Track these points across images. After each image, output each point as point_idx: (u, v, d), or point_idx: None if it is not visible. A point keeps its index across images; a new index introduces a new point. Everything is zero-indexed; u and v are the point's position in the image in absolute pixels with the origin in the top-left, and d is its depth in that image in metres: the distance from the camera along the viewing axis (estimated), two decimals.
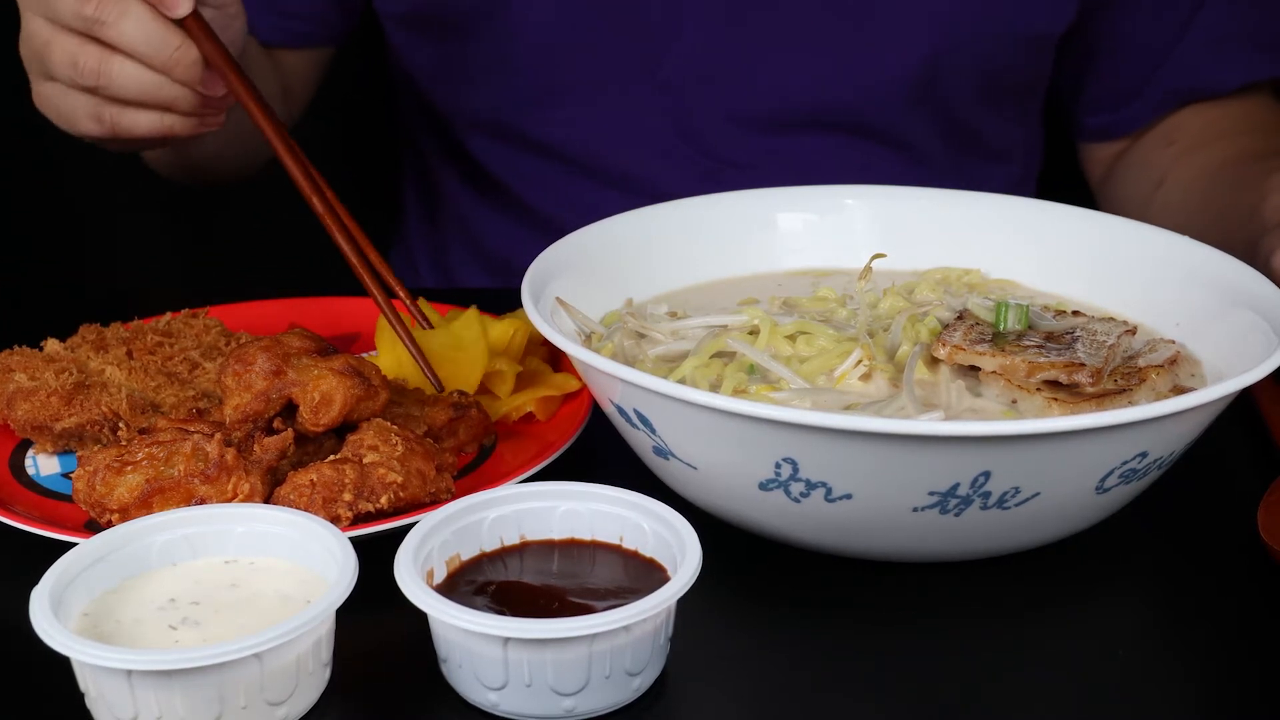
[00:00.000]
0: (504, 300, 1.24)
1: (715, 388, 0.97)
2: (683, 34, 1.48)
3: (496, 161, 1.60)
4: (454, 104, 1.59)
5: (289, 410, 1.00)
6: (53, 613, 0.79)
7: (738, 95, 1.51)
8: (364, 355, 1.12)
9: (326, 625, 0.83)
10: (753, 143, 1.52)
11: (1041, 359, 0.98)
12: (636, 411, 0.93)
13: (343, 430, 1.01)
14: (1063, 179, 1.71)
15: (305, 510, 0.92)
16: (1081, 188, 1.73)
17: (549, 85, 1.52)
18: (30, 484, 1.05)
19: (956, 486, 0.87)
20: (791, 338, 1.02)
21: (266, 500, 0.96)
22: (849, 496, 0.88)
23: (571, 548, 0.90)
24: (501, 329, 1.15)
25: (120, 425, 1.05)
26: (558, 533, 0.90)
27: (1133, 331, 1.04)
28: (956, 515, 0.88)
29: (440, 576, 0.87)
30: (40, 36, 1.17)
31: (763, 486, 0.90)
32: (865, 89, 1.50)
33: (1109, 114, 1.64)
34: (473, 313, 1.15)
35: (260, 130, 1.16)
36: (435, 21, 1.55)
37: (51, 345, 1.13)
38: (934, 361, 1.00)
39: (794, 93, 1.50)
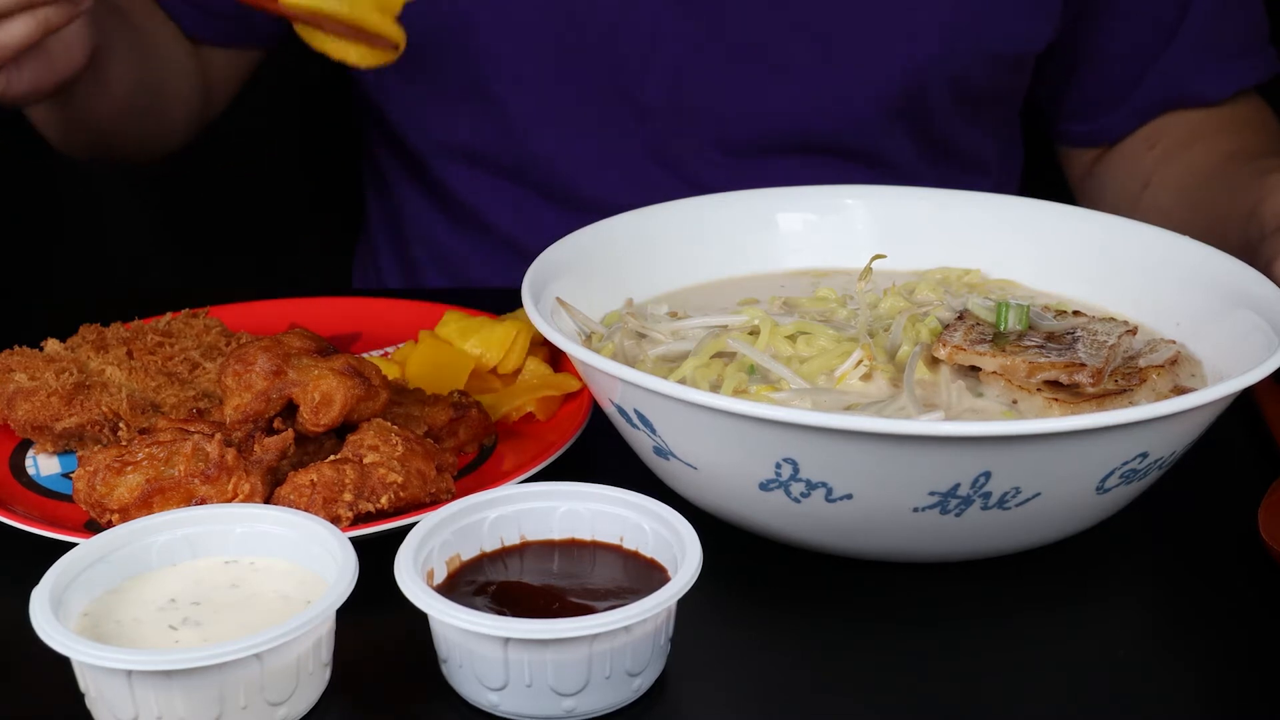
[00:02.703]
0: (478, 299, 1.26)
1: (715, 388, 0.97)
2: (659, 61, 1.46)
3: (466, 187, 1.57)
4: (420, 129, 1.56)
5: (289, 410, 1.00)
6: (53, 613, 0.79)
7: (716, 122, 1.49)
8: (364, 355, 1.13)
9: (327, 625, 0.83)
10: (731, 167, 1.50)
11: (1042, 359, 0.98)
12: (636, 411, 0.93)
13: (343, 430, 1.01)
14: (1047, 182, 1.71)
15: (305, 510, 0.92)
16: (1066, 192, 1.73)
17: (522, 112, 1.50)
18: (30, 484, 1.05)
19: (957, 487, 0.87)
20: (792, 338, 1.02)
21: (266, 500, 0.96)
22: (849, 497, 0.88)
23: (572, 548, 0.90)
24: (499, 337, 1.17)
25: (120, 425, 1.05)
26: (558, 533, 0.90)
27: (1133, 331, 1.04)
28: (957, 515, 0.88)
29: (440, 576, 0.87)
30: None
31: (763, 486, 0.90)
32: (845, 112, 1.49)
33: (1092, 122, 1.63)
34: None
35: None
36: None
37: (51, 345, 1.13)
38: (934, 361, 1.00)
39: (774, 118, 1.49)
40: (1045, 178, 1.72)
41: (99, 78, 1.41)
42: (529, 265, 1.06)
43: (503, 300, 1.22)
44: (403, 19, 1.48)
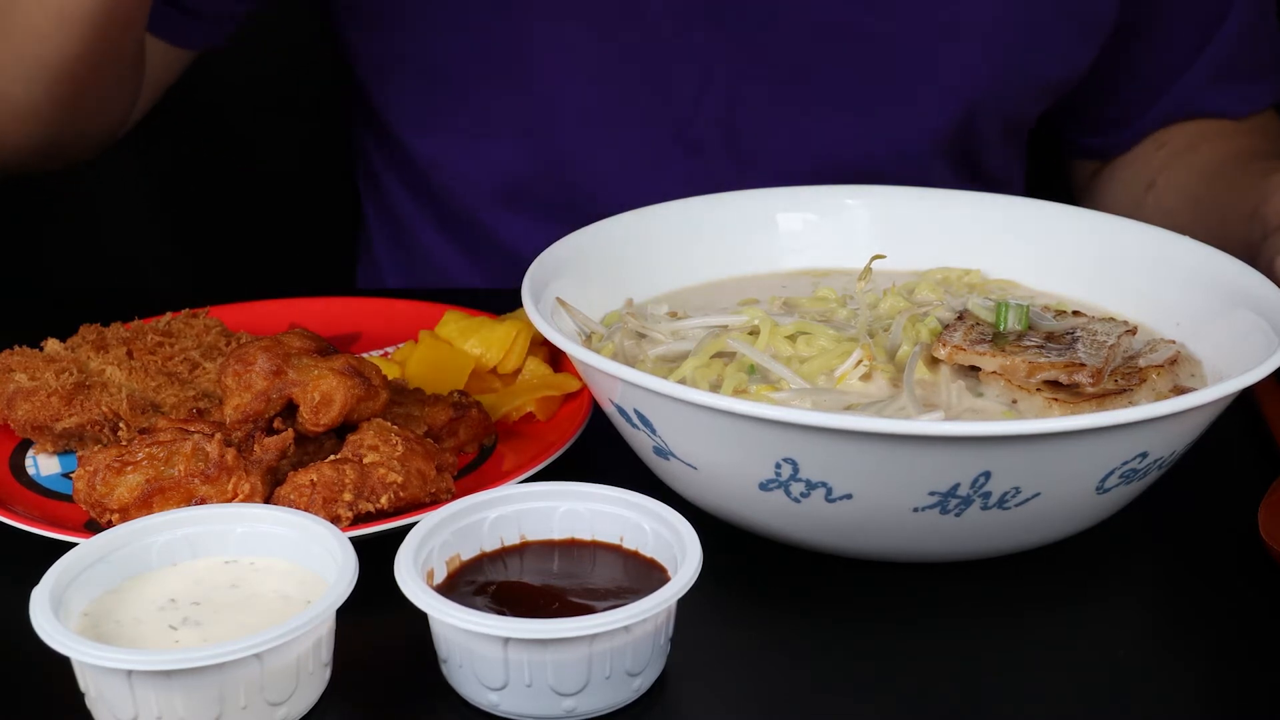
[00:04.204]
0: (479, 299, 1.26)
1: (715, 388, 0.97)
2: (709, 95, 1.45)
3: (499, 225, 1.54)
4: (453, 167, 1.53)
5: (289, 410, 1.00)
6: (53, 613, 0.79)
7: (767, 157, 1.48)
8: (364, 355, 1.13)
9: (327, 625, 0.83)
10: None
11: (1042, 359, 0.98)
12: (636, 411, 0.93)
13: (343, 430, 1.01)
14: (1047, 183, 1.71)
15: (305, 510, 0.92)
16: (1066, 193, 1.73)
17: (570, 149, 1.48)
18: (30, 484, 1.05)
19: (957, 487, 0.87)
20: (792, 338, 1.02)
21: (267, 500, 0.96)
22: (849, 497, 0.88)
23: (572, 548, 0.90)
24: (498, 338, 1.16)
25: (120, 425, 1.05)
26: (558, 533, 0.90)
27: (1133, 331, 1.04)
28: (957, 515, 0.88)
29: (440, 576, 0.87)
30: None
31: (763, 486, 0.90)
32: (897, 148, 1.48)
33: (1104, 137, 1.64)
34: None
35: None
36: (431, 75, 1.49)
37: (51, 345, 1.13)
38: (934, 361, 1.00)
39: (824, 154, 1.47)
40: (1045, 178, 1.72)
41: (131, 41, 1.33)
42: None
43: (503, 300, 1.22)
44: (452, 55, 1.43)
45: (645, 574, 0.87)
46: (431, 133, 1.53)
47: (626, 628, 0.80)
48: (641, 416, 0.93)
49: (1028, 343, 1.01)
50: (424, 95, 1.52)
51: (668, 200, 1.44)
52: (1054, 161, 1.76)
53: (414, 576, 0.82)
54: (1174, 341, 1.05)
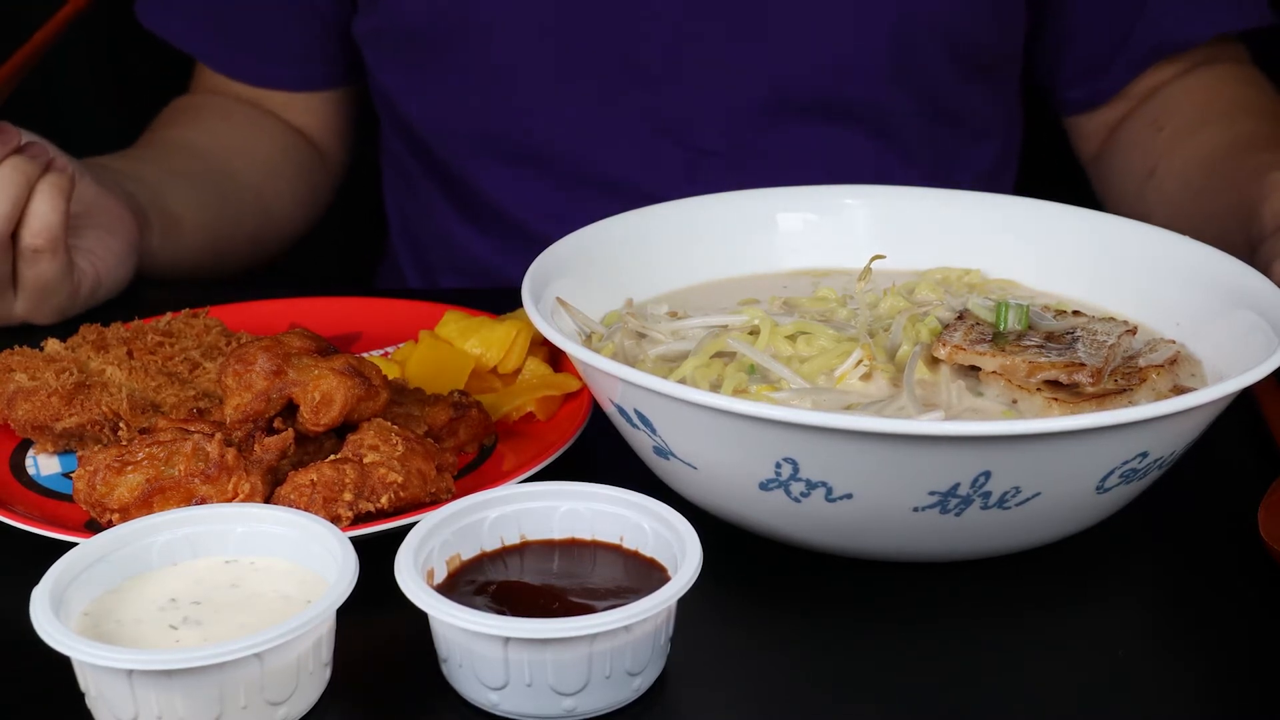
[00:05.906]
0: (480, 299, 1.26)
1: (716, 388, 0.97)
2: (657, 24, 1.48)
3: (476, 174, 1.58)
4: (430, 119, 1.58)
5: (289, 410, 1.00)
6: (53, 612, 0.79)
7: (716, 85, 1.50)
8: (364, 355, 1.13)
9: (327, 625, 0.83)
10: (729, 131, 1.52)
11: (1042, 359, 0.98)
12: (637, 411, 0.93)
13: (343, 430, 1.01)
14: (1048, 181, 1.71)
15: (305, 510, 0.92)
16: (1071, 182, 1.72)
17: (524, 90, 1.52)
18: (30, 484, 1.05)
19: (957, 486, 0.87)
20: (792, 338, 1.02)
21: (267, 500, 0.96)
22: (849, 496, 0.88)
23: (572, 548, 0.90)
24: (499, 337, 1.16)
25: (120, 425, 1.05)
26: (558, 533, 0.90)
27: (1133, 331, 1.04)
28: (957, 515, 0.88)
29: (441, 576, 0.87)
30: None
31: (763, 486, 0.90)
32: (837, 66, 1.50)
33: (1088, 84, 1.64)
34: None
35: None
36: (406, 40, 1.54)
37: (51, 345, 1.13)
38: (934, 361, 1.00)
39: (771, 75, 1.50)
40: (1045, 177, 1.72)
41: (169, 225, 1.46)
42: (537, 252, 1.06)
43: (504, 300, 1.22)
44: (404, 6, 1.48)
45: (645, 574, 0.87)
46: (407, 89, 1.59)
47: (626, 627, 0.80)
48: (642, 416, 0.93)
49: (1028, 343, 1.01)
50: (408, 63, 1.57)
51: (619, 134, 1.51)
52: (1052, 159, 1.75)
53: (414, 576, 0.82)
54: (1174, 341, 1.05)
